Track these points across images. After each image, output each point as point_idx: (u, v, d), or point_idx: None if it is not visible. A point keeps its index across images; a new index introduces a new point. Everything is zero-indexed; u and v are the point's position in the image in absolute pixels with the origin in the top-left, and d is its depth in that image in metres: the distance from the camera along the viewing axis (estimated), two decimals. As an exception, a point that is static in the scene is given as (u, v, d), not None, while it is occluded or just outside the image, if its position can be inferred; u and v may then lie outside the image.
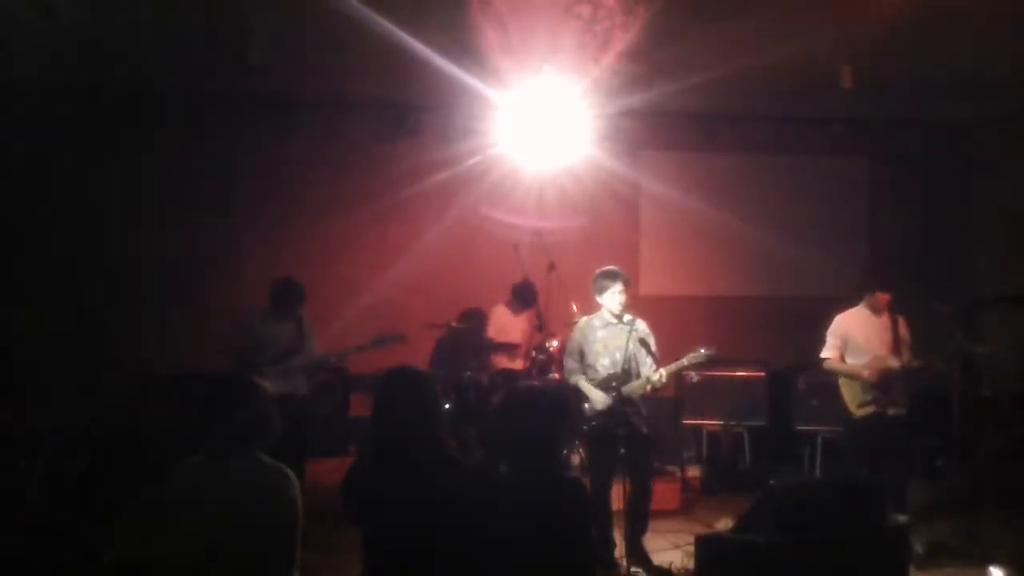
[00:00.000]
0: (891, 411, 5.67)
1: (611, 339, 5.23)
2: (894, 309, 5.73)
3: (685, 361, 5.08)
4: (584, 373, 5.31)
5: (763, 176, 8.64)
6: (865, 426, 5.71)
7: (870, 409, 5.66)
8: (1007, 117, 8.18)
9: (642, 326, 5.29)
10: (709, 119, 8.33)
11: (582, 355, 5.33)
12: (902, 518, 5.63)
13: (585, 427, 5.23)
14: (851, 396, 5.75)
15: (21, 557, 4.99)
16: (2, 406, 6.48)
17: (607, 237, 8.27)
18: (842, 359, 5.78)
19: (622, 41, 5.81)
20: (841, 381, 5.81)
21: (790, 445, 7.61)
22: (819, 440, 7.40)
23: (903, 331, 5.68)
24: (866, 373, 5.64)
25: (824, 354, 5.84)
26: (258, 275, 7.24)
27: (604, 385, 5.18)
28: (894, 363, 5.59)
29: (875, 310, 5.77)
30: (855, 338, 5.77)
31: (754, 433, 7.59)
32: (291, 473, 3.09)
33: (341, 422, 7.40)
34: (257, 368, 5.77)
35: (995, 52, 6.28)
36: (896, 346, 5.62)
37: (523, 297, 7.44)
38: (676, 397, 7.44)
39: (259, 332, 5.90)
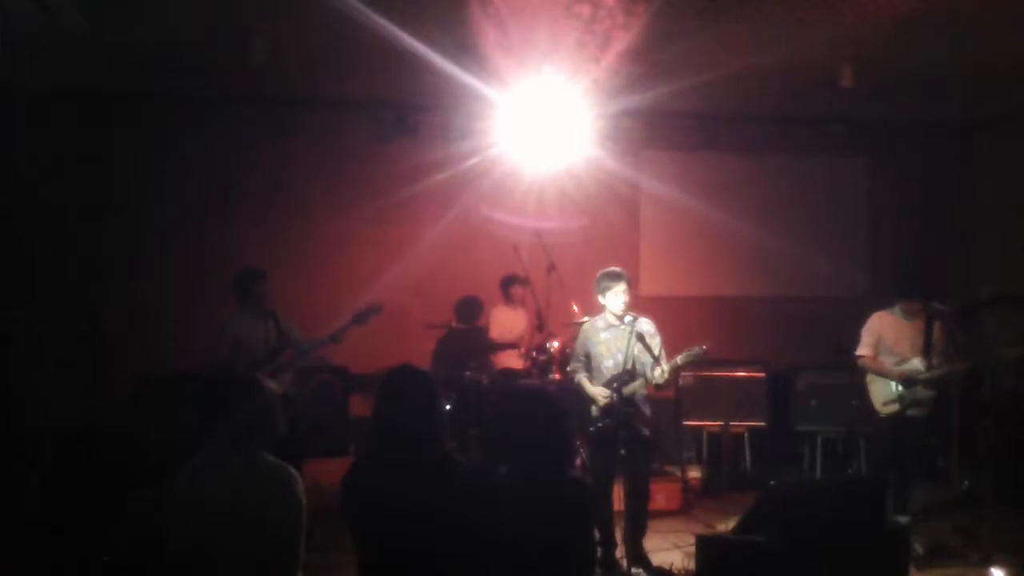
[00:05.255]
0: (911, 412, 5.76)
1: (614, 340, 5.24)
2: (932, 314, 5.75)
3: (679, 360, 5.08)
4: (589, 373, 5.33)
5: (763, 176, 8.63)
6: (887, 425, 5.84)
7: (894, 408, 5.76)
8: (1007, 117, 8.18)
9: (644, 325, 5.27)
10: (709, 119, 8.33)
11: (588, 357, 5.36)
12: (903, 518, 5.66)
13: (591, 428, 5.24)
14: (878, 394, 5.85)
15: (21, 557, 4.99)
16: (2, 406, 6.48)
17: (607, 237, 8.27)
18: (875, 358, 5.87)
19: (622, 41, 5.81)
20: (869, 378, 5.92)
21: (790, 445, 7.62)
22: (819, 440, 7.40)
23: (937, 336, 5.72)
24: (896, 372, 5.73)
25: (858, 352, 5.93)
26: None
27: (606, 387, 5.20)
28: (920, 366, 5.65)
29: (908, 314, 5.84)
30: (886, 339, 5.86)
31: (754, 433, 7.59)
32: (295, 472, 3.09)
33: (341, 422, 7.40)
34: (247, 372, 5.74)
35: (995, 52, 6.28)
36: (927, 350, 5.67)
37: (506, 286, 7.55)
38: (676, 397, 7.44)
39: (239, 336, 5.79)
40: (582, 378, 5.33)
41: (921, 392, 5.74)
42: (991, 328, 7.13)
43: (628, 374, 5.15)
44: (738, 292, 8.62)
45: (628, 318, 5.23)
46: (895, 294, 5.93)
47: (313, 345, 5.93)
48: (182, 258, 7.66)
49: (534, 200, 7.99)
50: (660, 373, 5.05)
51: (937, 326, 5.72)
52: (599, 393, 5.19)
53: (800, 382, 7.51)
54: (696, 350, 5.06)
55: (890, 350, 5.84)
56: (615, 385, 5.10)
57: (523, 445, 2.89)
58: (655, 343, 5.25)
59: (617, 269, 5.30)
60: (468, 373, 7.12)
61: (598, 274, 5.31)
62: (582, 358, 5.39)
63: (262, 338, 5.82)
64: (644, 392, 5.22)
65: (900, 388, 5.74)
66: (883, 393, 5.81)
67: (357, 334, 6.27)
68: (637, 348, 5.18)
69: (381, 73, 6.85)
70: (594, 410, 5.24)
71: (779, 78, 6.96)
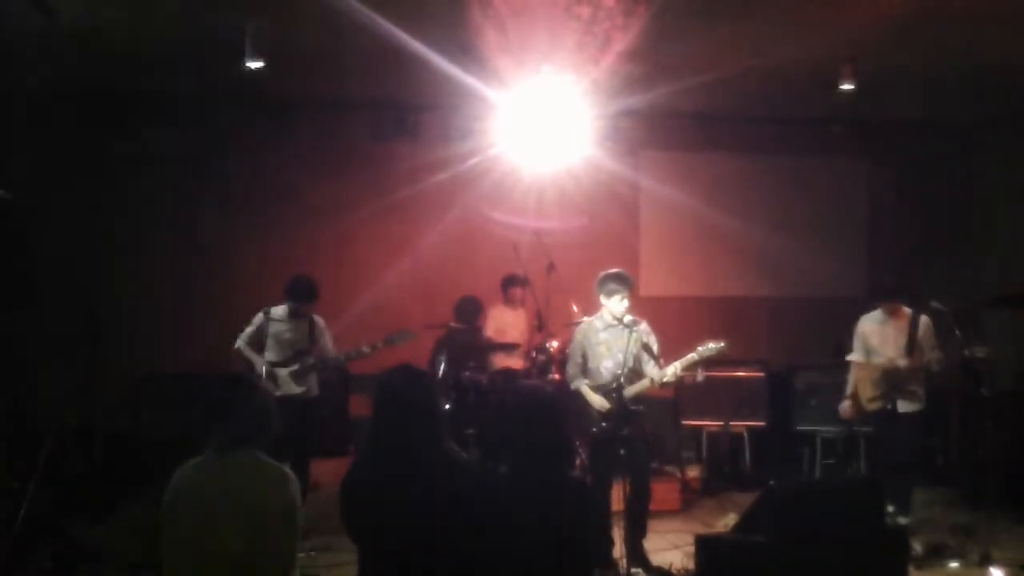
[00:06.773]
0: (900, 407, 5.82)
1: (614, 341, 5.22)
2: (920, 310, 5.85)
3: (695, 355, 5.04)
4: (585, 376, 5.31)
5: (763, 176, 8.63)
6: (873, 419, 5.99)
7: (878, 404, 5.87)
8: (1007, 117, 8.19)
9: (643, 327, 5.26)
10: (709, 119, 8.33)
11: (584, 357, 5.33)
12: (903, 519, 5.67)
13: (594, 428, 5.21)
14: (863, 391, 5.99)
15: (21, 557, 5.00)
16: (2, 406, 6.49)
17: (607, 237, 8.27)
18: (865, 360, 6.06)
19: (622, 41, 5.81)
20: (858, 377, 6.05)
21: (790, 445, 7.62)
22: (818, 440, 7.40)
23: (923, 332, 5.77)
24: (879, 368, 5.90)
25: (850, 357, 6.14)
26: (258, 275, 7.26)
27: (605, 389, 5.18)
28: (903, 363, 5.72)
29: (888, 315, 5.99)
30: (870, 340, 6.01)
31: (754, 433, 7.59)
32: (291, 473, 3.09)
33: (341, 422, 7.40)
34: (272, 368, 5.82)
35: (995, 52, 6.28)
36: (909, 347, 5.73)
37: (504, 287, 7.53)
38: (676, 397, 7.44)
39: (272, 331, 5.95)
40: (581, 385, 5.30)
41: (909, 388, 5.83)
42: (992, 328, 7.15)
43: (633, 374, 5.15)
44: (738, 292, 8.62)
45: (628, 319, 5.22)
46: (874, 297, 6.12)
47: (336, 360, 6.08)
48: (182, 258, 7.66)
49: (534, 200, 7.99)
50: (673, 371, 5.03)
51: (923, 324, 5.77)
52: (599, 401, 5.18)
53: (800, 382, 7.52)
54: (712, 347, 5.02)
55: (876, 351, 5.96)
56: (615, 386, 5.08)
57: (523, 445, 2.89)
58: (652, 341, 5.26)
59: (622, 272, 5.29)
60: (467, 373, 7.12)
61: (602, 274, 5.30)
62: (579, 360, 5.36)
63: (292, 340, 5.95)
64: (644, 391, 5.18)
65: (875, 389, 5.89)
66: (868, 390, 5.94)
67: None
68: (637, 348, 5.18)
69: (381, 73, 6.85)
70: (595, 410, 5.22)
71: (779, 78, 6.96)
